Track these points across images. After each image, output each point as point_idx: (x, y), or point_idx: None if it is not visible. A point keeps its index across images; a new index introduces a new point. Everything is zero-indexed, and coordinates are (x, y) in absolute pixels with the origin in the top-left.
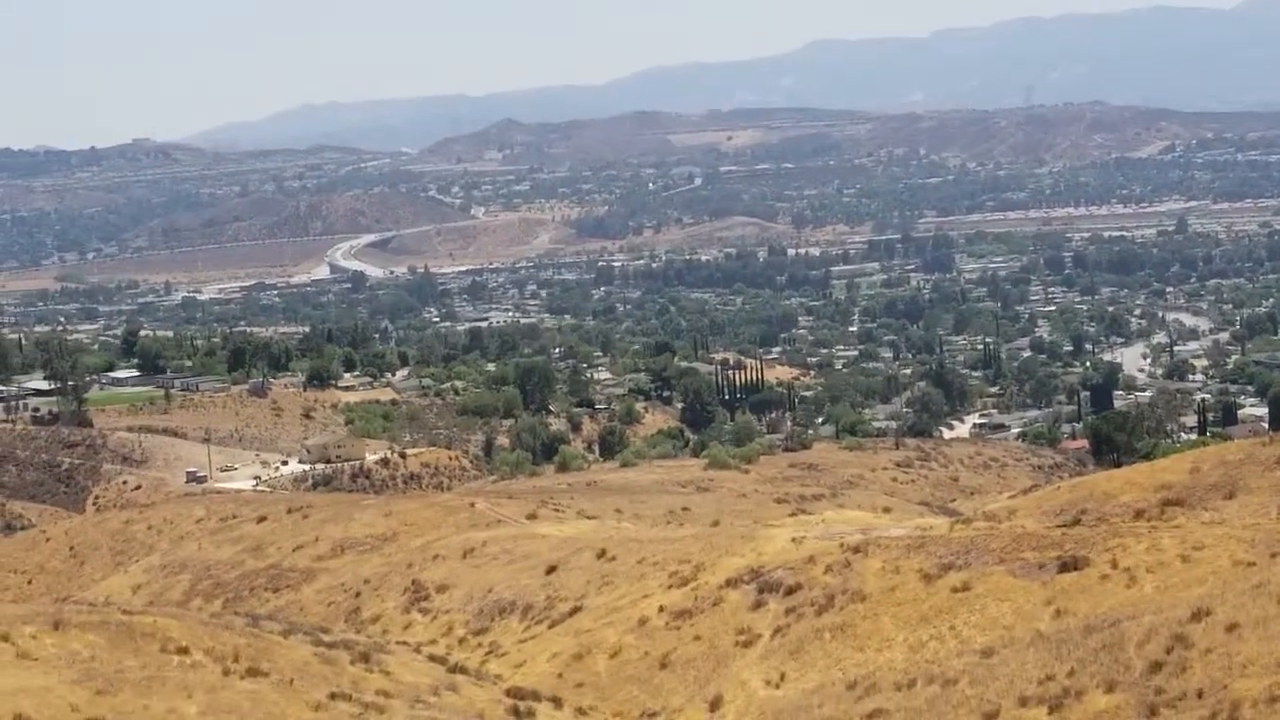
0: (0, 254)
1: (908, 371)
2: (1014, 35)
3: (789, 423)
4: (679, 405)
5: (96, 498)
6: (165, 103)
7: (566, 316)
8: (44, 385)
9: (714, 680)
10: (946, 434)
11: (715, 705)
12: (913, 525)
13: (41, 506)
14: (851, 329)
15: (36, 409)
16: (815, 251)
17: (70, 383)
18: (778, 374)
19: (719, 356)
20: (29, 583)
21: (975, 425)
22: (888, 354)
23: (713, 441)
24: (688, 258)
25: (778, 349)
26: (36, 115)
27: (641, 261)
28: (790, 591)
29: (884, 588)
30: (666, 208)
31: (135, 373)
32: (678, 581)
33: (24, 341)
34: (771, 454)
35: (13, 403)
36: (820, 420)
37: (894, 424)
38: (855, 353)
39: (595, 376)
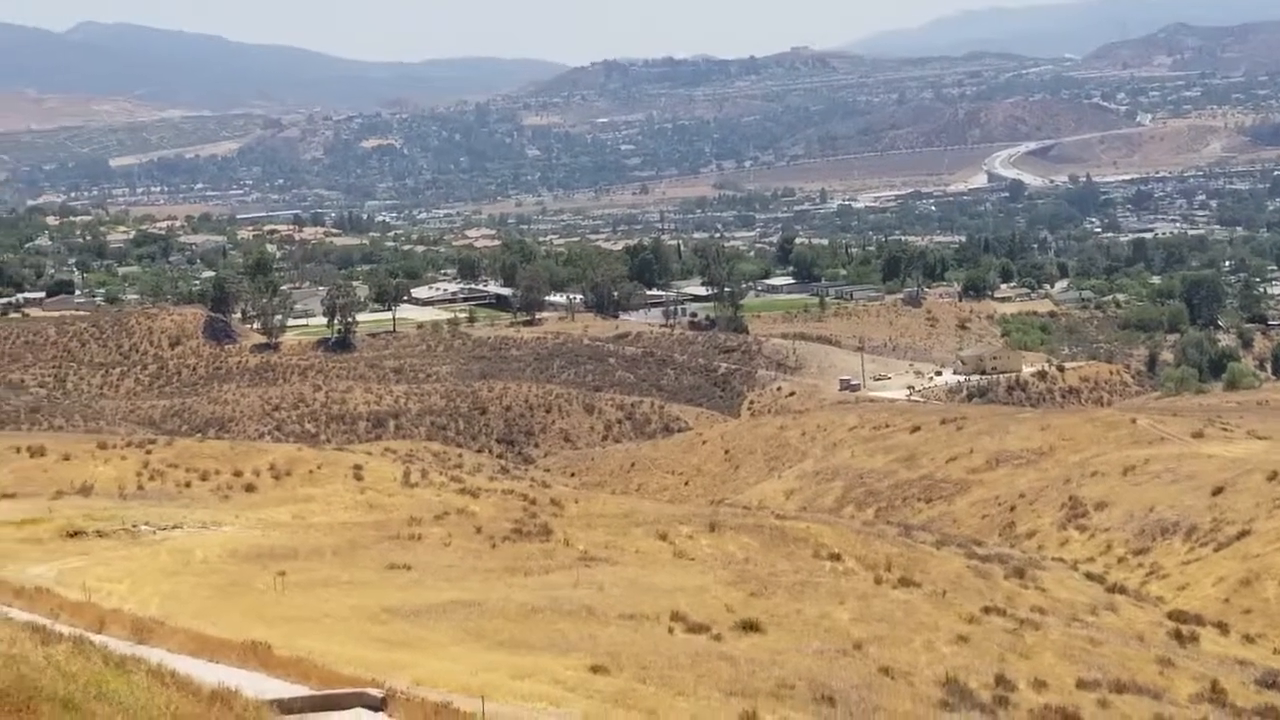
0: (662, 162)
1: None
2: None
3: None
4: None
5: (751, 403)
6: (822, 10)
7: (1238, 228)
8: (701, 291)
9: None
10: None
11: None
12: None
13: (698, 409)
14: None
15: (694, 314)
16: None
17: (727, 289)
18: None
19: None
20: (685, 484)
21: None
22: None
23: None
24: None
25: None
26: (698, 25)
27: None
28: None
29: None
30: None
31: (790, 280)
32: None
33: (683, 248)
34: None
35: (671, 308)
36: None
37: None
38: None
39: (1268, 291)
